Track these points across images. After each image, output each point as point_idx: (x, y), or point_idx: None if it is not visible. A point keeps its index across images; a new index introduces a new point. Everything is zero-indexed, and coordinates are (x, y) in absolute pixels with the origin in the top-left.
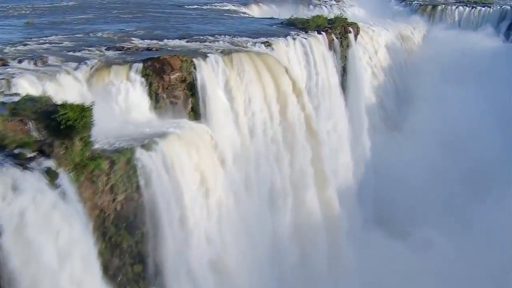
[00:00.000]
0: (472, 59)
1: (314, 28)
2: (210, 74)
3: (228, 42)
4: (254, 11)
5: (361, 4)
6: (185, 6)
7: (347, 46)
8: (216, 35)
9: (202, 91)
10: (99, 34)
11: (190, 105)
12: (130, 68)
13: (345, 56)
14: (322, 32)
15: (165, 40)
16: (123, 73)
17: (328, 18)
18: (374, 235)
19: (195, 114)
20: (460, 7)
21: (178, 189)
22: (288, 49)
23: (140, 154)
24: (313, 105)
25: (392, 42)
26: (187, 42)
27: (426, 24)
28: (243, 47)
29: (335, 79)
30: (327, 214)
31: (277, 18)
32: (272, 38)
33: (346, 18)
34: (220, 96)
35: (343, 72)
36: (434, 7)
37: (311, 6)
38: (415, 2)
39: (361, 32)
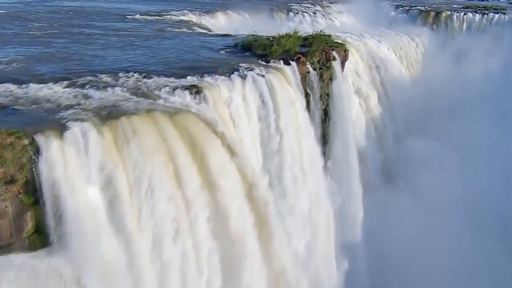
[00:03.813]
0: (491, 85)
1: (280, 54)
2: (71, 161)
3: (129, 88)
4: (220, 20)
5: (351, 10)
6: (130, 17)
7: (330, 79)
8: (122, 72)
9: (54, 194)
10: None
11: (30, 224)
12: None
13: (327, 94)
14: (291, 61)
15: (28, 85)
16: None
17: (303, 36)
18: None
19: (42, 238)
20: (469, 14)
21: None
22: (232, 97)
23: None
24: (274, 193)
25: (391, 61)
26: (65, 87)
27: (429, 35)
28: (152, 98)
29: (309, 136)
30: None
31: (234, 36)
32: (208, 78)
33: (329, 36)
34: (91, 200)
35: (324, 116)
36: (438, 13)
37: (290, 14)
38: (415, 7)
39: (351, 49)
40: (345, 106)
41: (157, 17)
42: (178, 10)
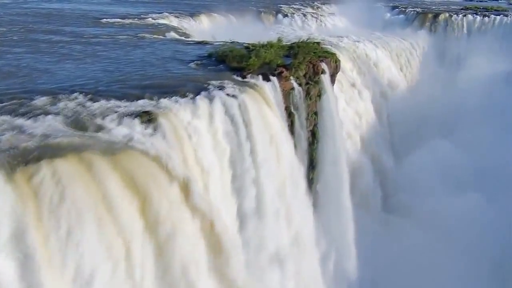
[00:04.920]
0: (493, 93)
1: (259, 67)
2: None
3: (66, 116)
4: (203, 23)
5: (344, 12)
6: (106, 22)
7: (318, 95)
8: (66, 92)
9: None
10: None
11: None
12: None
13: (315, 113)
14: (272, 76)
15: None
16: None
17: (288, 44)
18: None
19: None
20: (469, 16)
21: None
22: (196, 124)
23: None
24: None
25: (386, 68)
26: None
27: (427, 38)
28: (91, 129)
29: (293, 167)
30: None
31: (211, 43)
32: (167, 100)
33: (318, 43)
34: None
35: (312, 138)
36: (436, 15)
37: (279, 16)
38: (412, 9)
39: (343, 56)
40: (335, 125)
41: (135, 20)
42: (159, 13)
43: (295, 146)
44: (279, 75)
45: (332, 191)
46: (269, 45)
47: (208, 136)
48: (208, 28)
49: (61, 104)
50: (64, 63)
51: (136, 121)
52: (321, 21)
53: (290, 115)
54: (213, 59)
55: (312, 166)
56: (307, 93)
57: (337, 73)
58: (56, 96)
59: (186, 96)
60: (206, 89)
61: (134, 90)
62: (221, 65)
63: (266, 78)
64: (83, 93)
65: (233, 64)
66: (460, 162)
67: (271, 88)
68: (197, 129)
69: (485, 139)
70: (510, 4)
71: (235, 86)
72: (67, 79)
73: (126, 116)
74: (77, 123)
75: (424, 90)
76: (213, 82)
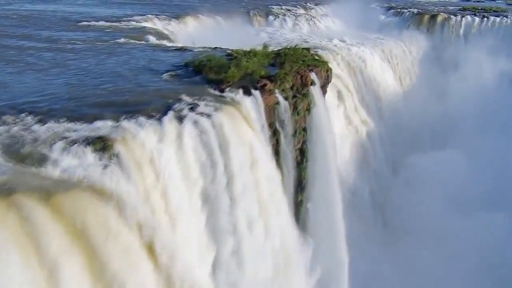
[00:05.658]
0: (493, 98)
1: (240, 79)
2: None
3: (3, 144)
4: (189, 25)
5: (337, 13)
6: (86, 24)
7: (308, 109)
8: (13, 111)
9: None
10: None
11: None
12: None
13: (304, 129)
14: (254, 89)
15: None
16: None
17: (274, 51)
18: None
19: None
20: (468, 17)
21: None
22: (161, 151)
23: None
24: None
25: (383, 74)
26: None
27: (424, 40)
28: (32, 162)
29: (278, 202)
30: None
31: (190, 50)
32: (127, 122)
33: (307, 50)
34: None
35: (301, 157)
36: (433, 17)
37: (270, 17)
38: (408, 10)
39: (336, 60)
40: (327, 141)
41: (117, 23)
42: (143, 15)
43: (281, 169)
44: (262, 88)
45: (324, 212)
46: (253, 53)
47: (175, 165)
48: (194, 30)
49: (2, 128)
50: (25, 75)
51: (88, 149)
52: (314, 23)
53: (275, 133)
54: (190, 69)
55: (301, 187)
56: (295, 108)
57: (328, 83)
58: (1, 116)
59: (152, 116)
60: (176, 107)
61: (94, 109)
62: (197, 77)
63: (247, 92)
64: (33, 113)
65: (210, 75)
66: (462, 170)
67: (252, 104)
68: (162, 157)
69: (488, 147)
70: (508, 4)
71: (210, 103)
72: (20, 95)
73: (76, 143)
74: (17, 153)
75: (422, 95)
76: (186, 98)
